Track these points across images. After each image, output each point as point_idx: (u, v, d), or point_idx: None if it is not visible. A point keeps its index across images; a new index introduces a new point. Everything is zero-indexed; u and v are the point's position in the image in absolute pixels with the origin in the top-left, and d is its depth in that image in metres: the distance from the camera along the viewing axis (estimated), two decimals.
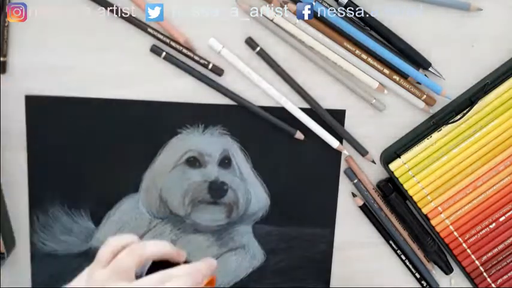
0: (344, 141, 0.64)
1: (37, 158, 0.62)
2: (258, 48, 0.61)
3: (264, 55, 0.61)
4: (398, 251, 0.67)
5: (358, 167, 0.65)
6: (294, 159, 0.64)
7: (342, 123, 0.64)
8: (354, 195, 0.66)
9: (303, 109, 0.63)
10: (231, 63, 0.61)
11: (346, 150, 0.64)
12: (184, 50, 0.60)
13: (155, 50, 0.60)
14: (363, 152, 0.64)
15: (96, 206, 0.64)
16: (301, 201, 0.66)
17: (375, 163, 0.65)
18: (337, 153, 0.65)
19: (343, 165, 0.65)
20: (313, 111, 0.63)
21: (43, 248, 0.65)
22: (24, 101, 0.61)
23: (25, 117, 0.61)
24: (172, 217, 0.65)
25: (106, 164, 0.63)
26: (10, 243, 0.63)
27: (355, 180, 0.65)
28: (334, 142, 0.63)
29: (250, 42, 0.61)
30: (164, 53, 0.60)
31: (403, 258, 0.68)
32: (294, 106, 0.62)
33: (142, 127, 0.62)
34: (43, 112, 0.61)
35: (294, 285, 0.68)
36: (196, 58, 0.60)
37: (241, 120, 0.63)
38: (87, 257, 0.65)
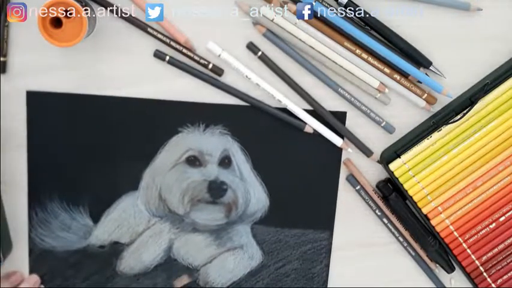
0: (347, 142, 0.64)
1: (37, 154, 0.63)
2: (260, 53, 0.60)
3: (265, 59, 0.61)
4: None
5: (357, 169, 0.65)
6: (294, 160, 0.64)
7: (343, 124, 0.63)
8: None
9: (304, 110, 0.63)
10: (231, 66, 0.61)
11: (350, 151, 0.64)
12: (185, 50, 0.60)
13: (159, 55, 0.60)
14: (367, 152, 0.64)
15: (95, 203, 0.64)
16: (301, 202, 0.66)
17: (380, 163, 0.65)
18: (338, 155, 0.64)
19: (342, 165, 0.65)
20: (314, 112, 0.63)
21: (41, 244, 0.65)
22: (24, 100, 0.61)
23: (26, 112, 0.61)
24: (171, 216, 0.65)
25: (106, 162, 0.63)
26: (7, 247, 0.63)
27: (358, 187, 0.65)
28: (337, 140, 0.63)
29: (252, 47, 0.60)
30: (168, 57, 0.60)
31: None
32: (295, 106, 0.62)
33: (142, 125, 0.63)
34: (44, 108, 0.61)
35: (292, 285, 0.68)
36: (197, 58, 0.60)
37: (242, 120, 0.63)
38: (85, 253, 0.65)
